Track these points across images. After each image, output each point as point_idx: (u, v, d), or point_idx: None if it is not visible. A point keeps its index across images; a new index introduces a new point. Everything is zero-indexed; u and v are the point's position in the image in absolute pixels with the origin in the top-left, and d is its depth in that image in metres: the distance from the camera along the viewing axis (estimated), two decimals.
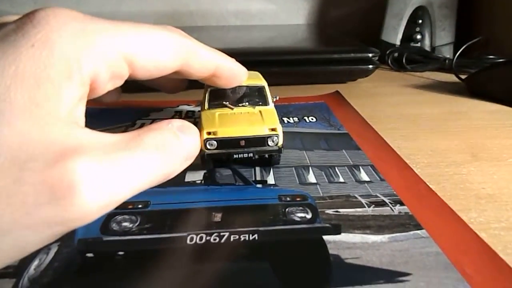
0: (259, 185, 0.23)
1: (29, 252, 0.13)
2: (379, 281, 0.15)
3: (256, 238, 0.18)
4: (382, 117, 0.34)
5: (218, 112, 0.25)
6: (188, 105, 0.37)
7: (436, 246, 0.17)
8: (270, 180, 0.23)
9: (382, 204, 0.21)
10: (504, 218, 0.20)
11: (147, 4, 0.67)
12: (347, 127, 0.31)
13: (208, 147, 0.23)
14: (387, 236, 0.18)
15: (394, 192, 0.22)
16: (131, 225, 0.19)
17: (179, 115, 0.34)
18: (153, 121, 0.33)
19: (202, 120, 0.24)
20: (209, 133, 0.23)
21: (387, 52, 0.54)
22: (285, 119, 0.33)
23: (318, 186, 0.23)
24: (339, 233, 0.18)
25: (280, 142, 0.24)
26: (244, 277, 0.16)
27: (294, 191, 0.22)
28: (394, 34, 0.58)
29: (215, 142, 0.23)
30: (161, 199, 0.21)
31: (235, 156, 0.23)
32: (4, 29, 0.14)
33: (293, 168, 0.25)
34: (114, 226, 0.19)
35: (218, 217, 0.20)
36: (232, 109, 0.25)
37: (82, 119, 0.15)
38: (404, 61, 0.53)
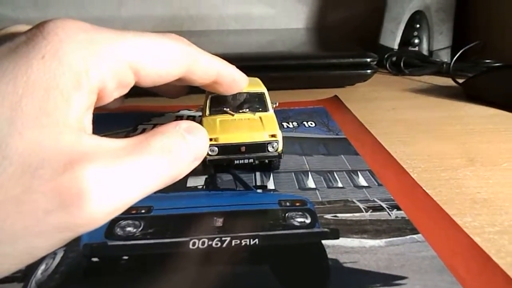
0: (259, 190, 0.23)
1: (38, 257, 0.13)
2: (376, 285, 0.16)
3: (257, 242, 0.18)
4: (380, 121, 0.35)
5: (219, 118, 0.25)
6: (189, 110, 0.37)
7: (431, 250, 0.18)
8: (270, 185, 0.24)
9: (379, 209, 0.21)
10: (498, 222, 0.20)
11: (147, 8, 0.68)
12: (346, 132, 0.32)
13: (210, 153, 0.23)
14: (384, 240, 0.19)
15: (391, 197, 0.22)
16: (134, 230, 0.20)
17: (180, 120, 0.35)
18: (155, 126, 0.33)
19: (204, 126, 0.24)
20: (210, 139, 0.23)
21: (385, 56, 0.54)
22: (285, 124, 0.33)
23: (317, 191, 0.23)
24: (338, 238, 0.19)
25: (280, 148, 0.24)
26: (245, 281, 0.16)
27: (293, 196, 0.22)
28: (392, 38, 0.58)
29: (216, 148, 0.23)
30: (164, 205, 0.22)
31: (236, 161, 0.24)
32: (15, 40, 0.14)
33: (293, 173, 0.25)
34: (118, 231, 0.20)
35: (219, 222, 0.20)
36: (232, 115, 0.26)
37: (89, 127, 0.15)
38: (402, 65, 0.53)
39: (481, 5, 0.59)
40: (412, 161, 0.27)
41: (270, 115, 0.26)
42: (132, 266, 0.18)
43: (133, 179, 0.14)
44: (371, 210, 0.21)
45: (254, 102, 0.27)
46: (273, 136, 0.24)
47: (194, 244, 0.18)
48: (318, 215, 0.21)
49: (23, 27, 0.17)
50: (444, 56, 0.57)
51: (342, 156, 0.28)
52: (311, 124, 0.34)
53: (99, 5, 0.67)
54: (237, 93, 0.26)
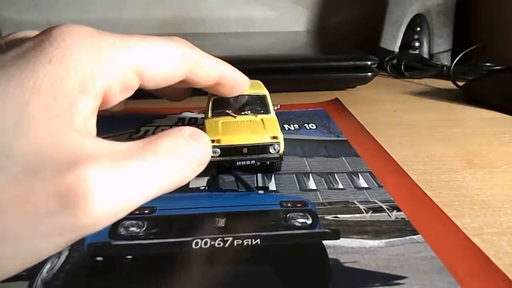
0: (261, 191, 0.24)
1: (42, 259, 0.13)
2: (376, 284, 0.16)
3: (259, 242, 0.19)
4: (381, 124, 0.35)
5: (221, 120, 0.26)
6: (191, 112, 0.37)
7: (430, 250, 0.18)
8: (272, 186, 0.24)
9: (379, 210, 0.21)
10: (497, 223, 0.21)
11: (150, 11, 0.68)
12: (346, 134, 0.32)
13: (212, 154, 0.24)
14: (384, 241, 0.19)
15: (392, 199, 0.22)
16: (138, 230, 0.20)
17: (182, 122, 0.35)
18: (157, 127, 0.34)
19: (206, 128, 0.25)
20: (212, 141, 0.24)
21: (386, 59, 0.55)
22: (286, 126, 0.34)
23: (318, 192, 0.23)
24: (338, 238, 0.19)
25: (282, 150, 0.24)
26: (247, 281, 0.17)
27: (295, 197, 0.23)
28: (393, 41, 0.59)
29: (218, 150, 0.24)
30: (167, 205, 0.22)
31: (237, 163, 0.24)
32: (22, 46, 0.15)
33: (294, 175, 0.26)
34: (122, 231, 0.20)
35: (222, 222, 0.20)
36: (234, 117, 0.26)
37: (94, 130, 0.16)
38: (402, 68, 0.54)
39: (482, 8, 0.59)
40: (412, 163, 0.27)
41: (271, 117, 0.26)
42: (135, 265, 0.18)
43: (137, 182, 0.14)
44: (371, 211, 0.21)
45: (256, 105, 0.27)
46: (274, 138, 0.24)
47: (197, 244, 0.19)
48: (319, 216, 0.21)
49: (31, 33, 0.18)
50: (445, 59, 0.58)
51: (343, 157, 0.28)
52: (312, 126, 0.34)
53: (101, 7, 0.67)
54: (239, 96, 0.26)
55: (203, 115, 0.27)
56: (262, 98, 0.27)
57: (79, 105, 0.14)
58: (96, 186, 0.13)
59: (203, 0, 0.69)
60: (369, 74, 0.44)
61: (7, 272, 0.13)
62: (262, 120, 0.26)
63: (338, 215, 0.21)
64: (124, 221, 0.21)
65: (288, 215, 0.21)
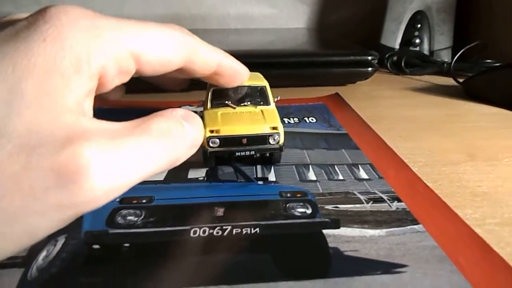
0: (260, 182, 0.23)
1: (40, 238, 0.13)
2: (376, 272, 0.16)
3: (258, 231, 0.19)
4: (381, 118, 0.35)
5: (220, 111, 0.25)
6: (190, 106, 0.37)
7: (432, 240, 0.18)
8: (271, 177, 0.24)
9: (380, 200, 0.21)
10: (498, 214, 0.20)
11: (149, 7, 0.68)
12: (347, 128, 0.32)
13: (211, 145, 0.23)
14: (384, 230, 0.19)
15: (392, 190, 0.22)
16: (135, 219, 0.20)
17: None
18: None
19: (205, 118, 0.25)
20: (212, 131, 0.23)
21: (386, 55, 0.55)
22: (286, 120, 0.34)
23: (318, 183, 0.23)
24: (338, 227, 0.19)
25: (282, 141, 0.24)
26: (246, 269, 0.16)
27: (294, 187, 0.22)
28: (393, 38, 0.58)
29: (217, 140, 0.23)
30: (165, 195, 0.22)
31: (237, 153, 0.24)
32: (16, 26, 0.14)
33: (294, 166, 0.25)
34: (119, 220, 0.20)
35: (220, 211, 0.20)
36: (234, 108, 0.26)
37: (90, 112, 0.15)
38: (403, 64, 0.53)
39: (483, 5, 0.59)
40: (413, 156, 0.27)
41: (271, 109, 0.26)
42: (133, 254, 0.18)
43: (132, 159, 0.14)
44: (371, 202, 0.21)
45: (256, 96, 0.27)
46: (274, 128, 0.24)
47: (195, 232, 0.19)
48: (319, 206, 0.21)
49: (25, 15, 0.17)
50: (445, 56, 0.57)
51: (343, 150, 0.28)
52: (312, 119, 0.34)
53: (101, 4, 0.67)
54: (238, 87, 0.26)
55: (202, 108, 0.26)
56: (262, 89, 0.27)
57: (73, 85, 0.14)
58: (92, 162, 0.13)
59: None
60: (370, 69, 0.44)
61: (2, 252, 0.13)
62: (262, 111, 0.26)
63: (338, 205, 0.21)
64: (122, 210, 0.20)
65: (287, 205, 0.21)
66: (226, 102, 0.26)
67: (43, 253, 0.17)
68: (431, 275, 0.16)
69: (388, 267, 0.16)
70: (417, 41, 0.57)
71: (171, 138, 0.16)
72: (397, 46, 0.58)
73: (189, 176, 0.24)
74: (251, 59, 0.40)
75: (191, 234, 0.18)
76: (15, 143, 0.12)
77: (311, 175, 0.24)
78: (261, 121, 0.24)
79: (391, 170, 0.25)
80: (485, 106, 0.39)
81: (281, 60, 0.43)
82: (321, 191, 0.22)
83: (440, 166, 0.26)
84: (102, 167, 0.13)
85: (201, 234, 0.18)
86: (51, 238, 0.18)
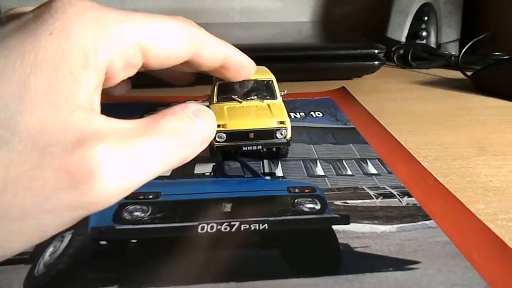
0: (267, 177, 0.23)
1: (49, 235, 0.13)
2: (388, 269, 0.16)
3: (266, 227, 0.18)
4: (389, 112, 0.35)
5: (226, 105, 0.25)
6: (196, 100, 0.37)
7: (444, 235, 0.17)
8: (279, 172, 0.24)
9: (390, 195, 0.21)
10: (511, 209, 0.20)
11: (152, 1, 0.68)
12: (354, 122, 0.31)
13: (218, 139, 0.23)
14: (395, 226, 0.18)
15: (402, 185, 0.22)
16: (142, 215, 0.20)
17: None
18: None
19: None
20: (218, 126, 0.23)
21: (393, 49, 0.54)
22: (292, 114, 0.33)
23: (326, 178, 0.23)
24: (348, 223, 0.18)
25: (289, 135, 0.24)
26: (255, 265, 0.16)
27: (302, 183, 0.22)
28: (400, 31, 0.58)
29: (224, 135, 0.23)
30: (171, 190, 0.21)
31: (244, 148, 0.24)
32: (22, 19, 0.14)
33: (301, 161, 0.25)
34: (126, 215, 0.19)
35: (228, 207, 0.20)
36: (240, 102, 0.25)
37: (98, 107, 0.15)
38: (409, 58, 0.53)
39: None
40: (422, 150, 0.27)
41: (278, 103, 0.26)
42: (140, 249, 0.17)
43: (143, 159, 0.14)
44: (381, 197, 0.21)
45: (262, 90, 0.26)
46: (281, 122, 0.24)
47: (202, 228, 0.18)
48: (328, 201, 0.20)
49: (29, 8, 0.17)
50: (452, 49, 0.56)
51: (351, 144, 0.27)
52: (319, 114, 0.33)
53: None
54: (244, 81, 0.26)
55: (208, 103, 0.26)
56: (269, 83, 0.26)
57: (82, 80, 0.14)
58: (104, 163, 0.12)
59: None
60: (376, 63, 0.44)
61: (12, 249, 0.12)
62: (268, 105, 0.25)
63: (348, 201, 0.20)
64: (129, 206, 0.20)
65: (296, 201, 0.20)
66: (232, 96, 0.26)
67: (50, 249, 0.17)
68: (445, 271, 0.15)
69: (400, 264, 0.16)
70: (424, 33, 0.56)
71: (182, 136, 0.15)
72: (403, 39, 0.57)
73: (195, 171, 0.24)
74: (256, 53, 0.39)
75: (199, 230, 0.18)
76: (27, 142, 0.12)
77: (319, 170, 0.24)
78: (268, 115, 0.24)
79: (400, 165, 0.24)
80: (495, 99, 0.38)
81: (287, 53, 0.42)
82: (329, 186, 0.22)
83: (451, 161, 0.25)
84: (113, 168, 0.13)
85: (208, 230, 0.18)
86: (58, 234, 0.18)
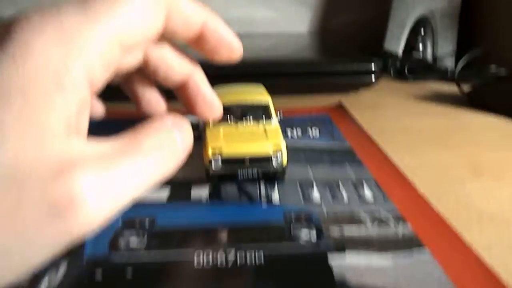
0: (264, 202, 0.23)
1: (39, 265, 0.12)
2: None
3: (262, 257, 0.18)
4: (385, 130, 0.35)
5: (222, 128, 0.25)
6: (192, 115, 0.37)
7: (439, 268, 0.17)
8: (275, 196, 0.24)
9: (385, 222, 0.21)
10: (506, 237, 0.20)
11: None
12: (351, 142, 0.31)
13: (213, 168, 0.23)
14: (390, 256, 0.18)
15: (397, 211, 0.22)
16: (138, 242, 0.20)
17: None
18: None
19: (207, 136, 0.24)
20: (214, 150, 0.23)
21: (389, 63, 0.54)
22: (289, 132, 0.33)
23: (322, 202, 0.23)
24: (344, 251, 0.19)
25: (285, 162, 0.24)
26: None
27: (299, 208, 0.22)
28: (397, 43, 0.58)
29: (220, 162, 0.23)
30: (167, 216, 0.22)
31: (239, 176, 0.24)
32: None
33: (297, 183, 0.25)
34: (122, 243, 0.19)
35: (224, 235, 0.20)
36: (236, 125, 0.25)
37: (82, 127, 0.14)
38: (406, 71, 0.53)
39: (487, 10, 0.59)
40: (418, 171, 0.27)
41: (274, 127, 0.26)
42: (135, 278, 0.17)
43: (127, 180, 0.13)
44: (377, 223, 0.21)
45: (258, 112, 0.26)
46: (277, 149, 0.24)
47: (198, 256, 0.18)
48: (323, 228, 0.20)
49: None
50: (449, 61, 0.57)
51: (347, 163, 0.27)
52: (316, 134, 0.33)
53: None
54: (241, 103, 0.26)
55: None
56: (265, 107, 0.27)
57: (57, 105, 0.13)
58: (86, 190, 0.12)
59: (203, 0, 0.68)
60: (373, 78, 0.44)
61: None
62: (264, 129, 0.25)
63: (343, 227, 0.20)
64: (124, 233, 0.20)
65: (292, 228, 0.20)
66: (228, 118, 0.26)
67: (45, 280, 0.17)
68: None
69: None
70: (421, 46, 0.57)
71: (164, 153, 0.15)
72: (400, 52, 0.58)
73: (192, 194, 0.24)
74: (251, 69, 0.40)
75: (195, 259, 0.18)
76: (4, 177, 0.11)
77: (315, 194, 0.24)
78: (264, 139, 0.24)
79: (395, 189, 0.24)
80: (491, 116, 0.39)
81: (283, 69, 0.43)
82: (325, 211, 0.22)
83: (446, 185, 0.25)
84: (95, 194, 0.12)
85: (204, 259, 0.18)
86: (53, 264, 0.18)
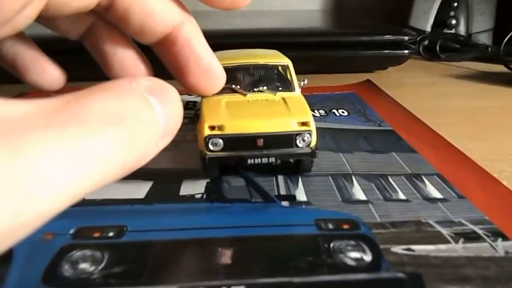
0: (285, 203, 0.16)
1: None
2: None
3: None
4: (430, 110, 0.27)
5: (225, 99, 0.18)
6: (189, 95, 0.30)
7: None
8: (300, 195, 0.16)
9: (475, 237, 0.14)
10: None
11: None
12: (391, 123, 0.24)
13: (211, 148, 0.16)
14: None
15: (486, 217, 0.15)
16: (92, 268, 0.12)
17: None
18: None
19: (203, 109, 0.17)
20: (212, 128, 0.16)
21: (418, 39, 0.47)
22: None
23: (370, 205, 0.16)
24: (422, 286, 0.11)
25: (314, 142, 0.17)
26: None
27: (337, 213, 0.15)
28: (425, 19, 0.51)
29: (221, 141, 0.16)
30: (142, 224, 0.14)
31: (249, 161, 0.16)
32: None
33: (330, 177, 0.18)
34: (66, 270, 0.12)
35: (227, 256, 0.13)
36: (244, 95, 0.18)
37: None
38: (437, 49, 0.46)
39: None
40: (493, 162, 0.20)
41: (297, 96, 0.19)
42: None
43: (48, 170, 0.07)
44: (462, 239, 0.14)
45: (274, 79, 0.19)
46: (304, 124, 0.16)
47: None
48: (381, 246, 0.13)
49: None
50: (485, 40, 0.49)
51: (394, 153, 0.20)
52: (343, 112, 0.26)
53: None
54: (251, 66, 0.19)
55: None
56: (283, 69, 0.19)
57: None
58: None
59: None
60: (406, 51, 0.36)
61: None
62: (283, 99, 0.18)
63: (412, 246, 0.13)
64: (73, 252, 0.13)
65: (332, 245, 0.13)
66: (233, 86, 0.18)
67: None
68: None
69: None
70: (453, 22, 0.50)
71: (126, 128, 0.09)
72: (428, 29, 0.51)
73: (181, 192, 0.17)
74: (264, 39, 0.32)
75: None
76: None
77: (358, 192, 0.17)
78: (284, 113, 0.17)
79: (471, 184, 0.17)
80: None
81: (299, 40, 0.35)
82: (377, 219, 0.15)
83: None
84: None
85: None
86: None
